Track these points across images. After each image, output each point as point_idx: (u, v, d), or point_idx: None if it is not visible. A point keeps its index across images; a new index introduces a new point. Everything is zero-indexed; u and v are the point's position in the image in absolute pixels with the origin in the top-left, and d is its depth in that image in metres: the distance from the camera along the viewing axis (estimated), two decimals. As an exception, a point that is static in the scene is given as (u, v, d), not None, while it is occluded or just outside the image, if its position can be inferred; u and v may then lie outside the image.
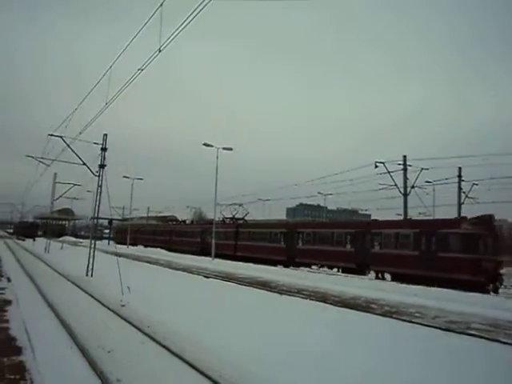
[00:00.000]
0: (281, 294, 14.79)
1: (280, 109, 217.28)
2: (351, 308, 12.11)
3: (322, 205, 57.53)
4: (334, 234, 26.80)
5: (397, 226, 23.59)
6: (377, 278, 23.01)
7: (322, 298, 14.18)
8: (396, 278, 21.59)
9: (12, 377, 5.03)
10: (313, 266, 27.85)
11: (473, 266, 19.14)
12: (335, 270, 26.19)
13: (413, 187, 23.68)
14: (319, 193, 45.94)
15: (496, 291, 19.42)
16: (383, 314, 11.32)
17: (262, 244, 33.73)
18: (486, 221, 20.72)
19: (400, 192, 23.82)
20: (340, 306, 12.39)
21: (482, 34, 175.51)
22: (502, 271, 21.20)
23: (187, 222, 58.37)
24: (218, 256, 34.42)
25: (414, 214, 49.96)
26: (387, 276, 22.64)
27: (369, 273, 23.81)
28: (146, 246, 51.40)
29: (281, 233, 32.14)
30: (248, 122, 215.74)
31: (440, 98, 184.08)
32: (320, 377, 5.81)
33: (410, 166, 23.67)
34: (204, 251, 39.20)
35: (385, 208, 38.59)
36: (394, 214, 45.60)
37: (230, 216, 42.40)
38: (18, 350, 6.15)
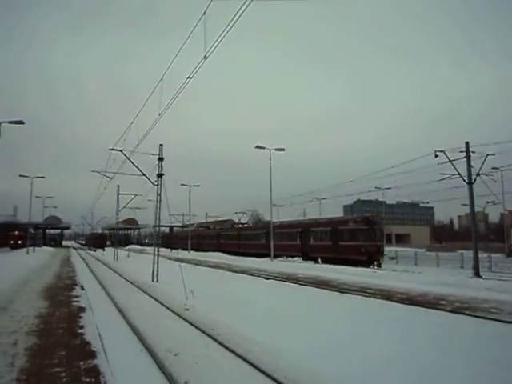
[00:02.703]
0: (342, 292, 14.50)
1: (331, 105, 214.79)
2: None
3: (380, 199, 55.87)
4: (290, 232, 37.37)
5: (322, 225, 34.09)
6: (314, 262, 31.70)
7: (387, 296, 13.71)
8: (323, 261, 30.84)
9: (88, 380, 5.32)
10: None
11: (356, 249, 28.61)
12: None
13: (478, 175, 22.04)
14: (377, 187, 44.58)
15: (379, 266, 27.88)
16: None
17: (253, 242, 44.87)
18: (367, 219, 30.67)
19: (464, 181, 22.31)
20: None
21: None
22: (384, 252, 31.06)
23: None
24: (224, 252, 47.37)
25: (481, 203, 47.43)
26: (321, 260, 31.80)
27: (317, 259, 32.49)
28: (183, 249, 54.60)
29: (262, 233, 42.59)
30: (297, 120, 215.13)
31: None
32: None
33: (473, 152, 22.11)
34: (220, 249, 50.84)
35: (448, 199, 36.61)
36: (459, 205, 43.34)
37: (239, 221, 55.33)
38: (93, 354, 6.50)
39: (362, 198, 72.23)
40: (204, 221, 74.23)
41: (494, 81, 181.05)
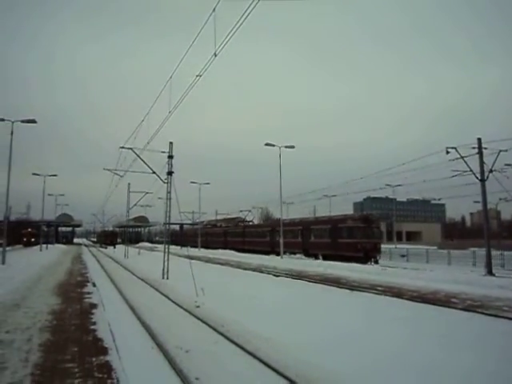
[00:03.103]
0: (352, 290, 14.45)
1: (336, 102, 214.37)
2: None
3: (390, 196, 55.50)
4: (293, 230, 38.37)
5: (321, 223, 35.95)
6: (315, 258, 32.35)
7: (398, 293, 13.62)
8: (323, 257, 31.46)
9: (100, 376, 5.39)
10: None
11: (353, 246, 29.68)
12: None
13: (491, 171, 21.76)
14: (387, 185, 44.18)
15: (376, 262, 29.11)
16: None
17: (257, 240, 46.30)
18: (364, 217, 32.19)
19: (476, 178, 22.05)
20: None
21: None
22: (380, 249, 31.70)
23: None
24: (230, 249, 48.19)
25: (494, 200, 46.81)
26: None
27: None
28: (192, 247, 55.66)
29: (267, 231, 44.50)
30: (301, 117, 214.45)
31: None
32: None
33: (485, 148, 21.82)
34: (227, 247, 52.37)
35: (460, 196, 36.22)
36: (471, 202, 42.83)
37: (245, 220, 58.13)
38: (105, 351, 6.57)
39: (372, 196, 71.93)
40: (213, 218, 74.41)
41: (497, 80, 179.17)
